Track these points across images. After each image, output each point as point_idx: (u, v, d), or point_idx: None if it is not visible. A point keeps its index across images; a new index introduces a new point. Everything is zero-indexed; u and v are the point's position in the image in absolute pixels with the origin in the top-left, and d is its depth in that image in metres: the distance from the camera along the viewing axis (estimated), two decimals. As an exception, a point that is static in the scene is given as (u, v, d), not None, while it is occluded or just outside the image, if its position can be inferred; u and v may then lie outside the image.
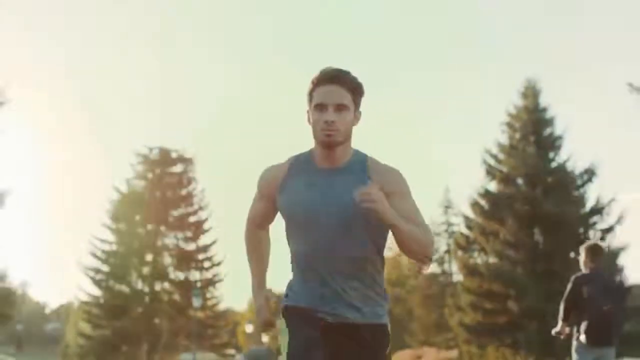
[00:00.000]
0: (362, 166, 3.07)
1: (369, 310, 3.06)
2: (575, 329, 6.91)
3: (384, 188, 2.98)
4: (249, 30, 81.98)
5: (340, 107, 3.00)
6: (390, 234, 3.05)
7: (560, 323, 6.92)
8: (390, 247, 43.62)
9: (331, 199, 3.02)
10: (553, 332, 7.01)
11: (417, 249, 2.96)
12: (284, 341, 3.11)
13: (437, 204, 47.22)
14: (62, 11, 78.21)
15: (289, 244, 3.18)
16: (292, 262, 3.18)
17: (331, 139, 3.00)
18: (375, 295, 3.10)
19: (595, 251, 6.95)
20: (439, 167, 73.76)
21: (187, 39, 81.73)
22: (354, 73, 3.10)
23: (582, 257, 6.99)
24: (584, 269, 6.97)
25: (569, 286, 6.91)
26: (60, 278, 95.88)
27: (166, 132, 73.53)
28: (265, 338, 60.95)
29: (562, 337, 6.97)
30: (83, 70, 77.53)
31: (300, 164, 3.13)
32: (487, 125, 66.91)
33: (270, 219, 3.29)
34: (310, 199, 3.04)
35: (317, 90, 3.04)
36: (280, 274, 3.29)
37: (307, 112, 3.10)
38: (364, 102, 3.09)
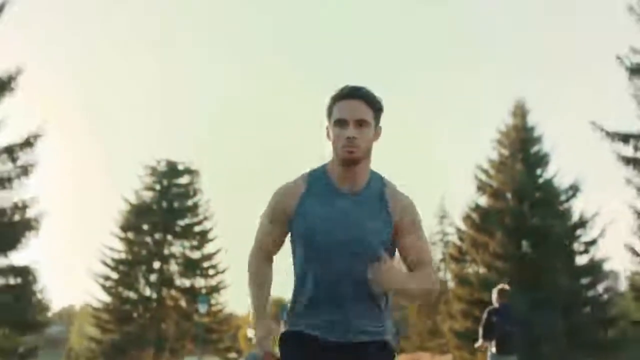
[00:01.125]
0: (380, 192, 3.07)
1: (375, 330, 3.05)
2: (490, 344, 10.11)
3: (401, 219, 3.06)
4: (250, 32, 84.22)
5: (361, 123, 2.99)
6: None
7: (480, 340, 10.17)
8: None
9: (351, 228, 2.99)
10: (475, 345, 10.24)
11: (420, 300, 3.12)
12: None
13: (433, 214, 49.68)
14: (62, 14, 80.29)
15: (297, 267, 3.11)
16: (298, 287, 3.12)
17: (353, 156, 2.98)
18: (384, 314, 3.10)
19: (502, 293, 10.37)
20: (438, 169, 76.02)
21: (188, 41, 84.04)
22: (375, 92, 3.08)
23: (494, 296, 10.19)
24: (495, 304, 10.18)
25: (484, 316, 10.26)
26: (62, 281, 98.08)
27: (168, 139, 75.85)
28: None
29: (482, 349, 10.26)
30: (83, 73, 79.75)
31: (317, 183, 3.09)
32: (486, 127, 69.46)
33: (280, 244, 3.19)
34: (329, 225, 3.00)
35: (337, 106, 3.02)
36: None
37: (327, 128, 3.09)
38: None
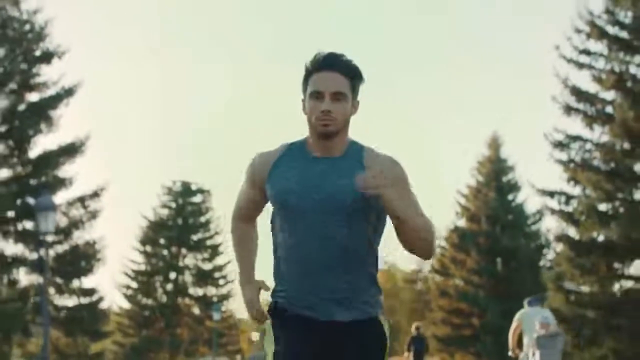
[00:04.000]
0: (358, 155, 3.05)
1: (360, 306, 3.02)
2: (409, 354, 18.19)
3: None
4: (253, 39, 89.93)
5: (337, 96, 2.97)
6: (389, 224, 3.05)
7: (405, 353, 18.37)
8: (385, 261, 52.93)
9: (324, 186, 2.99)
10: (404, 356, 18.27)
11: (424, 245, 3.01)
12: (269, 347, 3.10)
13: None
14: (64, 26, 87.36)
15: (274, 235, 3.13)
16: (277, 256, 3.12)
17: (327, 129, 2.97)
18: (369, 289, 3.07)
19: (417, 328, 19.01)
20: (435, 169, 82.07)
21: (190, 53, 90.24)
22: (352, 58, 3.05)
23: (413, 328, 18.42)
24: (414, 333, 18.48)
25: (407, 340, 18.53)
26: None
27: (183, 162, 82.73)
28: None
29: (406, 357, 18.56)
30: (84, 83, 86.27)
31: (293, 151, 3.10)
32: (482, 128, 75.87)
33: (257, 209, 3.24)
34: (302, 186, 3.00)
35: (312, 77, 3.02)
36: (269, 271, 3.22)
37: (302, 100, 3.07)
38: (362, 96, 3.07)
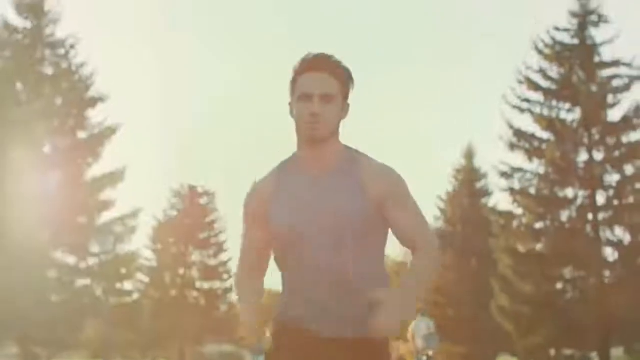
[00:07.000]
0: (352, 167, 3.06)
1: (365, 327, 2.96)
2: None
3: (378, 194, 3.03)
4: (254, 40, 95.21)
5: (326, 98, 2.99)
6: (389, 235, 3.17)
7: None
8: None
9: (319, 210, 3.00)
10: None
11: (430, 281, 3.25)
12: None
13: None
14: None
15: (278, 267, 3.18)
16: (283, 288, 3.18)
17: (316, 133, 3.00)
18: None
19: None
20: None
21: (192, 49, 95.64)
22: (344, 61, 3.06)
23: None
24: None
25: None
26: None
27: (191, 166, 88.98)
28: (268, 333, 78.03)
29: None
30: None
31: (286, 173, 3.11)
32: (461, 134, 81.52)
33: (266, 254, 3.18)
34: (296, 212, 3.01)
35: (300, 79, 3.03)
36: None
37: (289, 104, 3.09)
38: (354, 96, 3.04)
